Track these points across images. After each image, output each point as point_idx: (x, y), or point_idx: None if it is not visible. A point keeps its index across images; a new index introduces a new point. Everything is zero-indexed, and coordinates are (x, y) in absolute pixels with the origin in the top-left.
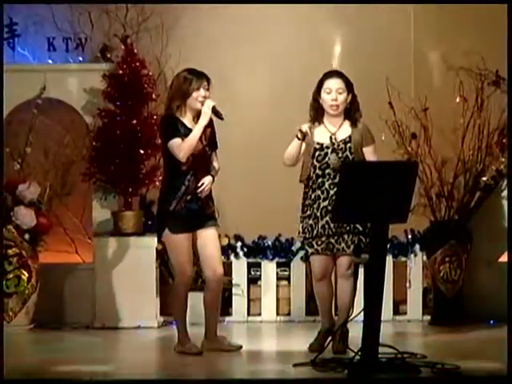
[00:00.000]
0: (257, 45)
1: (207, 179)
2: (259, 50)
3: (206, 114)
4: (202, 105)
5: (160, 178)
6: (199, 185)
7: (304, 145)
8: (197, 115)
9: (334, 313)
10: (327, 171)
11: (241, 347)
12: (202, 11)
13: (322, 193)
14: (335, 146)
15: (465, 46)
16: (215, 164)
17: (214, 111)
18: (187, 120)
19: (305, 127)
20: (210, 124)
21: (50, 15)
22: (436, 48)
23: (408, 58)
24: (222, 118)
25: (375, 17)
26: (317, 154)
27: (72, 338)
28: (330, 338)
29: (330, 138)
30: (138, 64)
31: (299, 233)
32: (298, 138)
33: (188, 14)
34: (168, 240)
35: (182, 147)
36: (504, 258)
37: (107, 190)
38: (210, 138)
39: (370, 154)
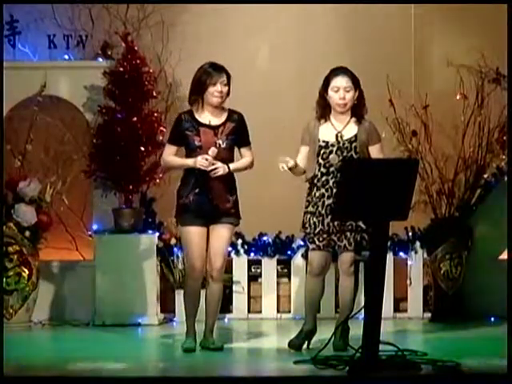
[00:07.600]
0: (257, 42)
1: (220, 164)
2: (260, 47)
3: (198, 164)
4: (219, 100)
5: (160, 175)
6: (212, 168)
7: (307, 148)
8: (215, 109)
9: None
10: (331, 169)
11: (222, 348)
12: (202, 8)
13: (327, 191)
14: (341, 145)
15: (465, 43)
16: (244, 160)
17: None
18: (203, 114)
19: (281, 165)
20: (234, 120)
21: (51, 12)
22: (436, 45)
23: (408, 55)
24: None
25: (375, 14)
26: (322, 151)
27: (72, 336)
28: (331, 335)
29: (336, 136)
30: (138, 61)
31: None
32: (291, 169)
33: (189, 11)
34: (180, 233)
35: (166, 159)
36: (504, 256)
37: (108, 187)
38: (229, 134)
39: (376, 152)
